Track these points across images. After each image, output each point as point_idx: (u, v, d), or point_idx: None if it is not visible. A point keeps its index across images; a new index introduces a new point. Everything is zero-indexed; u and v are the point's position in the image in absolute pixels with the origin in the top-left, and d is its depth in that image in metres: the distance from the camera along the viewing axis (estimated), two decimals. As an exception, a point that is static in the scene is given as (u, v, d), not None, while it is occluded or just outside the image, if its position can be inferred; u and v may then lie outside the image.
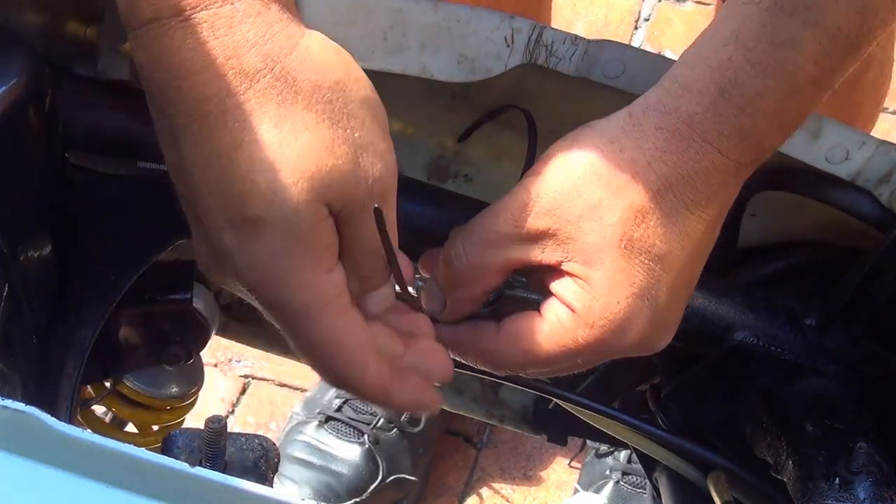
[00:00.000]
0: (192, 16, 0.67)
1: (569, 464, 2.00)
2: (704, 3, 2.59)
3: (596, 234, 0.77)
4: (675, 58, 0.81)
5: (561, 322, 0.79)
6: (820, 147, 0.92)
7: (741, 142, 0.77)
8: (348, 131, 0.71)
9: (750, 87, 0.75)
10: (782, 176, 0.95)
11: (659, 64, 0.88)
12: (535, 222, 0.78)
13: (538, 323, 0.80)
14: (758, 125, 0.76)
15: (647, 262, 0.77)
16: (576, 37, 0.88)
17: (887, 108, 2.45)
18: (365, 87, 0.73)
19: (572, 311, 0.78)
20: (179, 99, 0.69)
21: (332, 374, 0.75)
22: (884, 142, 0.92)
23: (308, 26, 0.73)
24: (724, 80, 0.76)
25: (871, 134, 0.93)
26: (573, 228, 0.77)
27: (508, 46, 0.88)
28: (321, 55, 0.72)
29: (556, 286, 0.79)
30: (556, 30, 0.88)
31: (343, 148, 0.70)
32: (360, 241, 0.73)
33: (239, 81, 0.68)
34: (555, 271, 0.79)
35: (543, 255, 0.79)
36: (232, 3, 0.68)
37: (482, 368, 0.83)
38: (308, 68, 0.70)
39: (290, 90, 0.69)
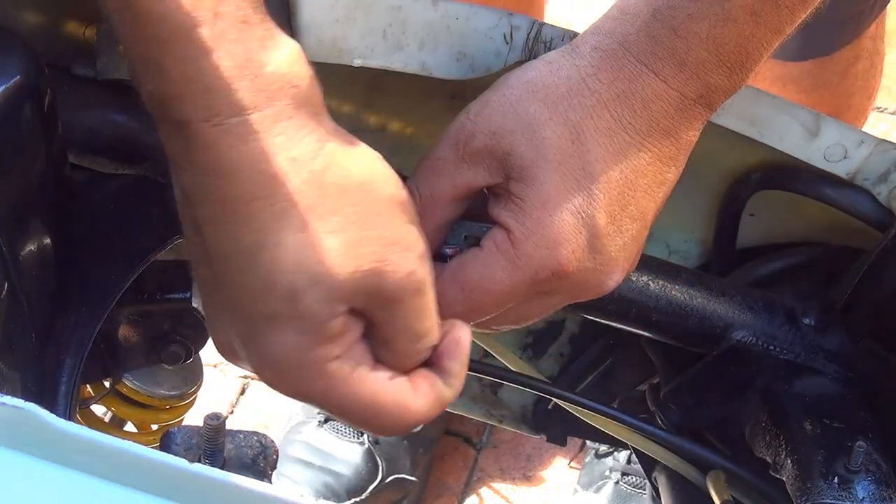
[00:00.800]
0: (223, 121, 0.68)
1: (569, 464, 2.00)
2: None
3: (530, 149, 0.77)
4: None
5: (498, 246, 0.78)
6: (818, 145, 0.92)
7: (678, 68, 0.76)
8: (376, 231, 0.71)
9: (682, 8, 0.75)
10: (781, 175, 0.96)
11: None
12: (472, 141, 0.78)
13: (476, 254, 0.79)
14: (692, 50, 0.76)
15: (581, 178, 0.77)
16: (574, 33, 0.88)
17: (886, 108, 2.45)
18: (391, 183, 0.74)
19: (508, 232, 0.77)
20: (207, 195, 0.70)
21: (375, 430, 0.76)
22: (882, 140, 0.92)
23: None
24: (658, 2, 0.76)
25: (870, 133, 0.93)
26: (507, 143, 0.77)
27: (507, 43, 0.88)
28: (347, 158, 0.73)
29: (496, 209, 0.79)
30: (555, 26, 0.88)
31: (369, 248, 0.70)
32: (396, 328, 0.73)
33: (266, 185, 0.68)
34: (496, 194, 0.79)
35: (486, 175, 0.78)
36: (261, 110, 0.68)
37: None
38: (334, 172, 0.71)
39: (317, 194, 0.70)
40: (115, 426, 1.11)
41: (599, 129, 0.77)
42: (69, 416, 0.82)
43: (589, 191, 0.77)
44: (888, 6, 1.52)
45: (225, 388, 2.10)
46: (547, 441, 1.26)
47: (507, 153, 0.77)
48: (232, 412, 2.07)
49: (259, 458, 0.76)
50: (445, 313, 0.77)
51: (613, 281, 0.80)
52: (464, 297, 0.79)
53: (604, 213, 0.77)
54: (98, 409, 1.10)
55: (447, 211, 0.80)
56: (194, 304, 0.98)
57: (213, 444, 0.74)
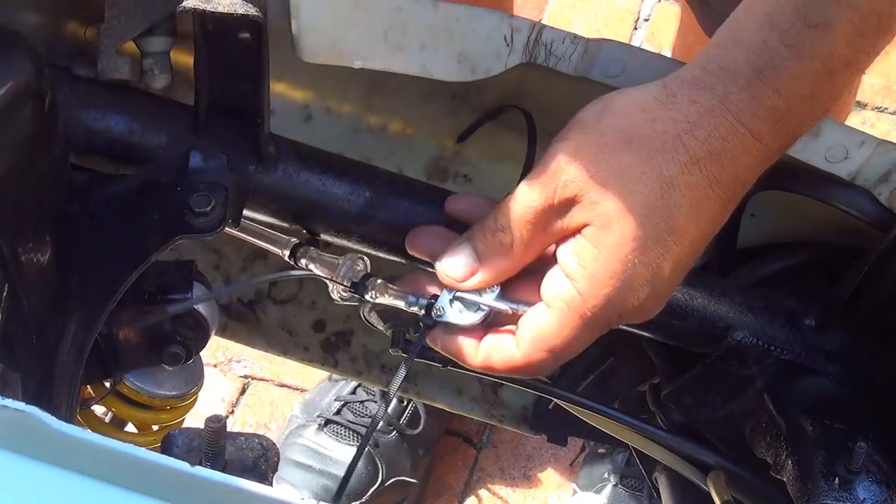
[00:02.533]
0: None
1: (570, 465, 2.00)
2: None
3: (621, 200, 0.77)
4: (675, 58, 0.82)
5: (567, 304, 0.80)
6: (819, 146, 0.92)
7: (774, 125, 0.77)
8: None
9: (785, 69, 0.76)
10: (782, 175, 0.95)
11: (659, 63, 0.88)
12: (565, 190, 0.79)
13: (547, 316, 0.81)
14: (792, 108, 0.77)
15: (662, 233, 0.78)
16: (575, 36, 0.88)
17: (887, 108, 2.45)
18: None
19: (574, 286, 0.80)
20: None
21: None
22: (883, 141, 0.92)
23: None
24: (761, 62, 0.76)
25: (870, 133, 0.93)
26: (598, 193, 0.78)
27: (508, 46, 0.88)
28: None
29: (565, 254, 0.81)
30: (556, 29, 0.88)
31: None
32: None
33: None
34: (568, 235, 0.81)
35: (571, 222, 0.80)
36: None
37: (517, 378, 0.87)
38: None
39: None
40: (115, 427, 1.11)
41: (688, 185, 0.78)
42: (70, 418, 0.82)
43: (665, 244, 0.79)
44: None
45: (225, 389, 2.10)
46: (547, 441, 1.26)
47: (594, 202, 0.78)
48: (232, 412, 2.07)
49: (260, 461, 0.76)
50: (535, 371, 0.83)
51: (654, 314, 0.84)
52: (552, 359, 0.83)
53: (671, 262, 0.80)
54: (98, 410, 1.10)
55: (534, 256, 0.83)
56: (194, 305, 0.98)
57: (213, 446, 0.74)
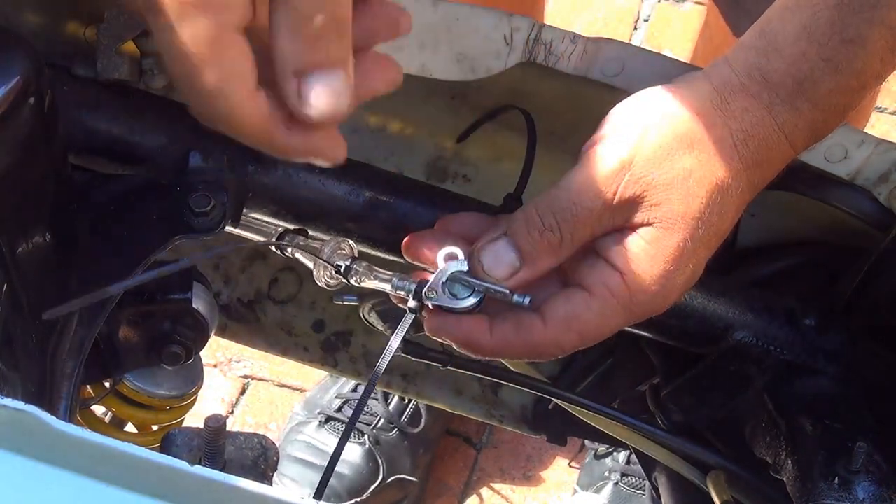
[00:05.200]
0: None
1: (569, 464, 2.00)
2: (703, 4, 2.60)
3: (683, 203, 0.78)
4: (675, 57, 0.82)
5: (612, 292, 0.80)
6: (819, 146, 0.91)
7: (809, 135, 0.80)
8: None
9: (824, 84, 0.78)
10: (781, 175, 0.95)
11: (658, 62, 0.88)
12: (626, 190, 0.79)
13: (588, 302, 0.81)
14: (829, 121, 0.79)
15: (712, 237, 0.80)
16: (575, 35, 0.88)
17: (886, 109, 2.45)
18: None
19: (623, 275, 0.80)
20: None
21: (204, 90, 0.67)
22: (882, 141, 0.92)
23: None
24: (801, 75, 0.78)
25: (870, 133, 0.93)
26: (662, 195, 0.78)
27: (507, 45, 0.88)
28: None
29: (611, 251, 0.80)
30: (555, 28, 0.88)
31: None
32: None
33: None
34: (616, 235, 0.80)
35: (627, 221, 0.80)
36: None
37: (526, 360, 0.85)
38: None
39: None
40: (115, 427, 1.11)
41: (738, 190, 0.80)
42: (69, 418, 0.82)
43: (709, 244, 0.80)
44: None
45: (225, 389, 2.10)
46: (547, 441, 1.26)
47: (658, 204, 0.79)
48: (232, 412, 2.07)
49: (259, 460, 0.76)
50: (555, 352, 0.82)
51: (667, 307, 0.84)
52: (580, 341, 0.82)
53: (701, 260, 0.81)
54: (98, 410, 1.10)
55: (579, 253, 0.82)
56: (194, 305, 0.98)
57: (213, 445, 0.74)
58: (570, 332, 0.81)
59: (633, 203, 0.79)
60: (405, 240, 0.88)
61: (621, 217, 0.80)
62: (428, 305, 0.83)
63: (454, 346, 0.85)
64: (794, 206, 1.00)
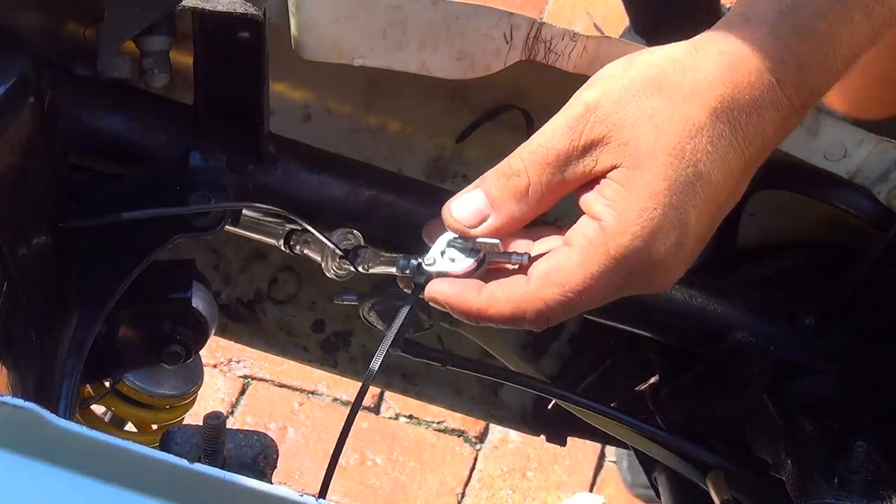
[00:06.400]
0: None
1: (568, 464, 2.00)
2: (704, 5, 2.60)
3: (650, 140, 0.77)
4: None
5: (590, 241, 0.78)
6: (818, 144, 0.92)
7: (797, 72, 0.77)
8: None
9: (808, 7, 0.76)
10: (780, 174, 0.95)
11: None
12: (591, 131, 0.78)
13: (568, 254, 0.78)
14: (813, 54, 0.77)
15: (690, 175, 0.77)
16: (574, 33, 0.88)
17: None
18: None
19: (600, 222, 0.77)
20: None
21: None
22: (882, 139, 0.92)
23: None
24: (784, 5, 0.77)
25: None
26: (628, 133, 0.77)
27: (507, 43, 0.88)
28: None
29: (588, 199, 0.78)
30: (555, 26, 0.88)
31: None
32: None
33: None
34: (592, 182, 0.79)
35: (596, 164, 0.78)
36: None
37: (514, 323, 0.82)
38: None
39: None
40: (115, 426, 1.11)
41: (716, 132, 0.77)
42: (69, 416, 0.82)
43: (693, 188, 0.77)
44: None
45: (225, 389, 2.10)
46: (547, 441, 1.26)
47: (626, 142, 0.77)
48: (231, 412, 2.07)
49: (259, 458, 0.76)
50: (541, 308, 0.78)
51: (676, 280, 0.81)
52: (563, 295, 0.78)
53: (696, 210, 0.78)
54: (98, 409, 1.10)
55: (552, 201, 0.80)
56: (194, 304, 0.98)
57: (213, 443, 0.74)
58: (553, 285, 0.78)
59: (600, 144, 0.78)
60: (426, 225, 0.86)
61: (591, 160, 0.78)
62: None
63: (450, 312, 0.82)
64: (794, 205, 1.00)
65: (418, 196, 0.95)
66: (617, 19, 2.59)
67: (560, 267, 0.78)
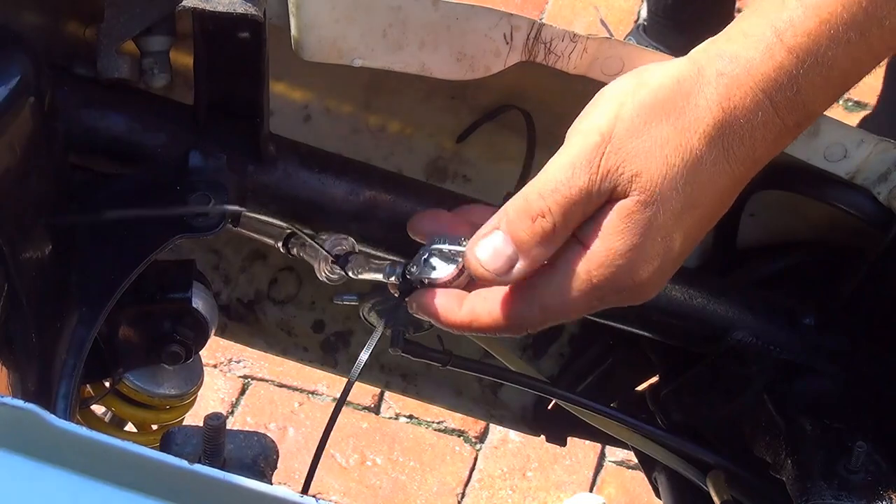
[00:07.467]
0: None
1: (569, 464, 2.00)
2: (704, 5, 2.60)
3: (660, 173, 0.77)
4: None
5: (573, 268, 0.78)
6: (818, 145, 0.92)
7: (792, 94, 0.77)
8: None
9: (801, 26, 0.76)
10: (780, 174, 0.95)
11: (658, 61, 0.88)
12: (607, 162, 0.78)
13: (551, 278, 0.79)
14: (807, 74, 0.77)
15: (685, 205, 0.78)
16: (574, 34, 0.88)
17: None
18: None
19: (587, 253, 0.78)
20: None
21: None
22: (882, 140, 0.92)
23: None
24: (780, 23, 0.77)
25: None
26: (641, 164, 0.77)
27: (507, 44, 0.88)
28: None
29: (583, 226, 0.79)
30: (555, 27, 0.88)
31: None
32: None
33: None
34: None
35: (611, 194, 0.78)
36: None
37: (493, 333, 0.83)
38: None
39: None
40: (115, 426, 1.11)
41: (711, 157, 0.78)
42: (69, 417, 0.82)
43: (683, 216, 0.78)
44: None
45: (225, 389, 2.10)
46: (547, 441, 1.26)
47: (639, 173, 0.77)
48: (232, 412, 2.07)
49: (259, 459, 0.76)
50: (520, 324, 0.80)
51: (655, 293, 0.81)
52: (542, 317, 0.80)
53: (682, 235, 0.78)
54: (98, 410, 1.10)
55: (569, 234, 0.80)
56: (194, 304, 0.98)
57: (213, 444, 0.74)
58: (532, 305, 0.80)
59: (614, 174, 0.78)
60: (412, 218, 0.88)
61: (607, 190, 0.78)
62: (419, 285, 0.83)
63: (433, 322, 0.84)
64: (794, 206, 1.01)
65: (418, 196, 0.95)
66: (617, 20, 2.59)
67: (541, 290, 0.79)
